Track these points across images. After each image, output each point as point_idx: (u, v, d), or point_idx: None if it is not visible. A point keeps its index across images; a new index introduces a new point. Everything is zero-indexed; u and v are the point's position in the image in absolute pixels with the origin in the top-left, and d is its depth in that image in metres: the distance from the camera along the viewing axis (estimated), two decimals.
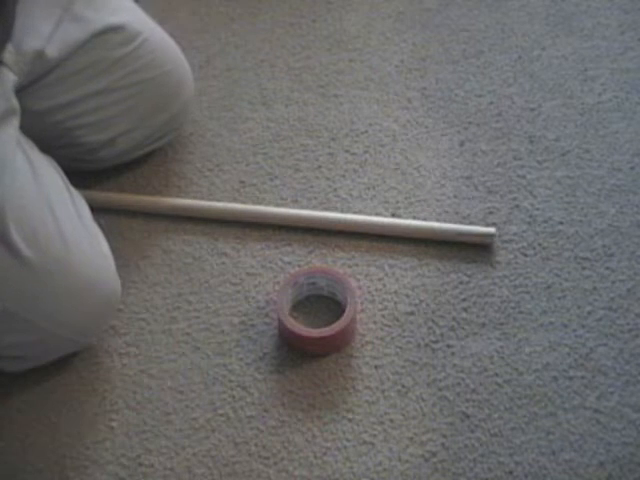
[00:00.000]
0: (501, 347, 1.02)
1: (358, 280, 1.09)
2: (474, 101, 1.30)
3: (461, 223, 1.14)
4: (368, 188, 1.19)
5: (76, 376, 1.02)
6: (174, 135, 1.25)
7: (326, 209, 1.17)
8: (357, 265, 1.11)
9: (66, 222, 0.96)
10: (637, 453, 0.92)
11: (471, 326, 1.04)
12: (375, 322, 1.05)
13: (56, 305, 0.95)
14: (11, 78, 0.99)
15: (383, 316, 1.06)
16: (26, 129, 1.01)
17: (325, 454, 0.95)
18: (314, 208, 1.17)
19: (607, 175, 1.18)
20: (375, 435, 0.96)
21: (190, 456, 0.96)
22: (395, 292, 1.08)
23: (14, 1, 0.97)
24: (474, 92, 1.31)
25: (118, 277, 1.00)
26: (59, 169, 1.02)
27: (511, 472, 0.92)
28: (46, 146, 1.04)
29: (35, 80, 1.06)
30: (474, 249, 1.11)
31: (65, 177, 1.02)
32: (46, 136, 1.08)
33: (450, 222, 1.14)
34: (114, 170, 1.21)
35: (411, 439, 0.95)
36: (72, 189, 1.02)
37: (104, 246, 1.01)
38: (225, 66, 1.40)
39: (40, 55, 1.04)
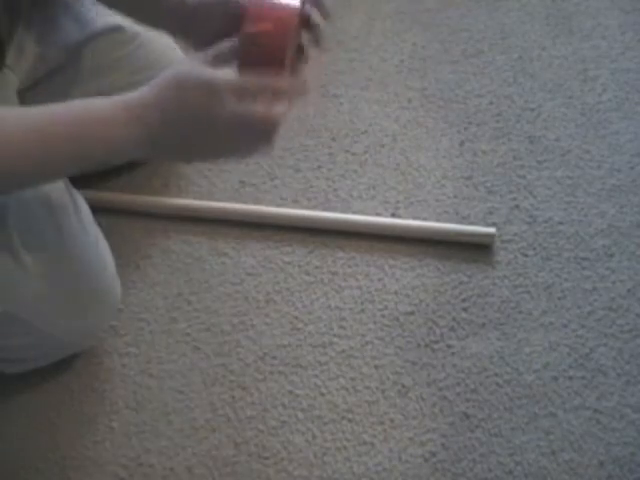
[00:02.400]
0: (501, 347, 1.02)
1: (358, 280, 1.09)
2: (474, 101, 1.30)
3: (461, 223, 1.14)
4: (368, 188, 1.19)
5: (76, 376, 1.02)
6: None
7: (326, 209, 1.17)
8: (357, 265, 1.11)
9: (66, 226, 0.96)
10: (637, 453, 0.92)
11: (471, 326, 1.04)
12: (375, 322, 1.05)
13: (56, 308, 0.95)
14: (13, 80, 0.99)
15: (383, 316, 1.06)
16: None
17: (325, 454, 0.95)
18: (314, 208, 1.17)
19: (607, 175, 1.18)
20: (375, 435, 0.96)
21: (190, 456, 0.96)
22: (395, 292, 1.08)
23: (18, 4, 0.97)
24: (474, 92, 1.31)
25: (118, 280, 1.00)
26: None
27: (511, 472, 0.92)
28: None
29: (36, 82, 1.06)
30: (474, 249, 1.11)
31: (66, 179, 1.02)
32: None
33: (450, 222, 1.14)
34: (114, 170, 1.21)
35: (411, 439, 0.95)
36: (73, 191, 1.02)
37: (104, 249, 1.01)
38: None
39: (41, 57, 1.04)
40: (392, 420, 0.97)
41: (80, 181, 1.11)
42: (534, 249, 1.11)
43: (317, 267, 1.11)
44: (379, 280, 1.09)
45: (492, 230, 1.11)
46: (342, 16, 1.46)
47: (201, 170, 1.23)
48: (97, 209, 1.10)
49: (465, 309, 1.05)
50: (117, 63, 1.12)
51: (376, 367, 1.01)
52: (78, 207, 1.00)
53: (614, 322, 1.03)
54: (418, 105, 1.30)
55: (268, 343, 1.04)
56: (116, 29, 1.11)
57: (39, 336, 0.96)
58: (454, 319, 1.05)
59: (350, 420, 0.97)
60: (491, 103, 1.29)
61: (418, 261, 1.10)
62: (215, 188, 1.20)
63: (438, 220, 1.14)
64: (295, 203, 1.18)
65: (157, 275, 1.11)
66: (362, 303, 1.07)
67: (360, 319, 1.05)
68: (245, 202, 1.18)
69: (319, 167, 1.23)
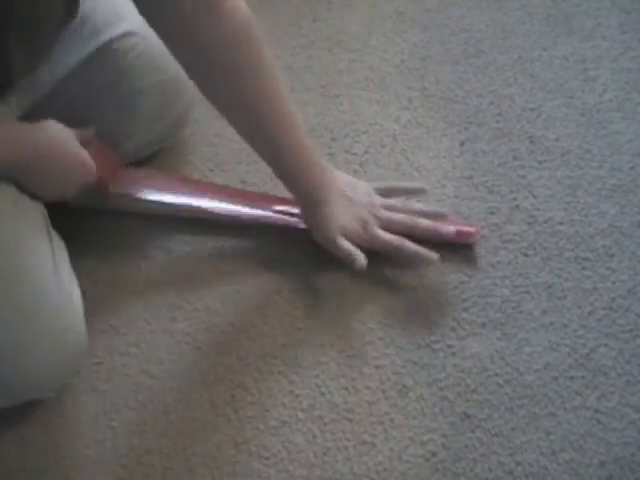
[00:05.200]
0: (501, 347, 1.02)
1: (358, 280, 1.09)
2: (474, 101, 1.30)
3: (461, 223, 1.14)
4: None
5: (76, 376, 1.02)
6: (176, 137, 1.25)
7: None
8: None
9: (38, 269, 0.94)
10: (637, 453, 0.92)
11: (471, 326, 1.04)
12: (375, 322, 1.05)
13: (15, 355, 0.91)
14: (7, 112, 1.02)
15: (383, 316, 1.06)
16: None
17: (325, 454, 0.95)
18: None
19: (607, 175, 1.18)
20: (375, 435, 0.96)
21: (190, 456, 0.96)
22: (395, 292, 1.08)
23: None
24: (474, 92, 1.31)
25: (85, 330, 0.97)
26: (44, 210, 1.01)
27: (511, 472, 0.92)
28: None
29: (41, 98, 1.06)
30: (475, 249, 1.11)
31: (48, 219, 1.01)
32: None
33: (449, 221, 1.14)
34: None
35: (411, 439, 0.95)
36: (52, 233, 0.99)
37: (75, 296, 0.98)
38: None
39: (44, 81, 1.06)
40: (392, 420, 0.97)
41: None
42: (534, 249, 1.11)
43: (317, 267, 1.11)
44: (379, 280, 1.09)
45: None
46: (342, 16, 1.46)
47: (201, 170, 1.23)
48: (98, 209, 1.11)
49: (465, 309, 1.05)
50: (122, 70, 1.11)
51: (376, 367, 1.01)
52: (55, 252, 0.97)
53: (614, 322, 1.03)
54: (418, 105, 1.30)
55: (268, 343, 1.04)
56: (122, 35, 1.11)
57: None
58: (454, 319, 1.05)
59: (350, 420, 0.97)
60: (491, 103, 1.29)
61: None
62: None
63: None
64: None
65: (158, 275, 1.11)
66: (362, 303, 1.07)
67: (360, 319, 1.05)
68: None
69: None
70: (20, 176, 0.97)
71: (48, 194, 1.01)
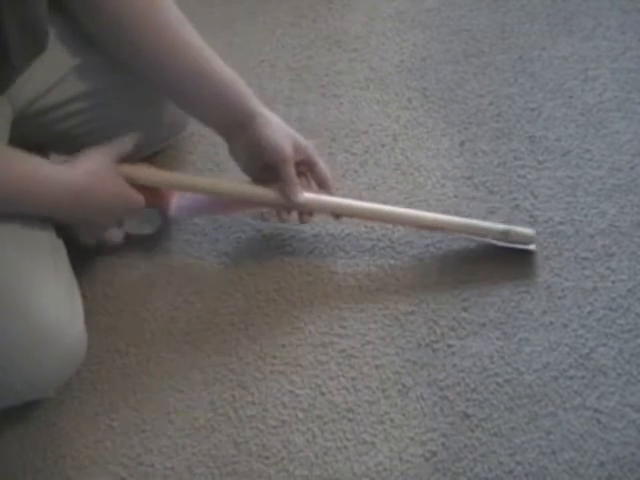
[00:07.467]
0: (501, 347, 1.02)
1: (358, 280, 1.09)
2: (474, 101, 1.30)
3: None
4: (368, 188, 1.19)
5: (76, 376, 1.02)
6: (176, 137, 1.25)
7: None
8: (357, 265, 1.11)
9: (38, 269, 0.94)
10: (637, 453, 0.92)
11: (471, 326, 1.04)
12: (375, 322, 1.05)
13: (13, 354, 0.91)
14: (7, 112, 1.01)
15: (384, 316, 1.06)
16: (31, 135, 1.03)
17: (325, 454, 0.95)
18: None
19: (607, 175, 1.18)
20: (375, 435, 0.96)
21: (190, 456, 0.96)
22: (395, 292, 1.08)
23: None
24: (474, 92, 1.31)
25: (85, 332, 0.97)
26: None
27: (511, 472, 0.92)
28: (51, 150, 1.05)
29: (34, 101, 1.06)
30: (474, 249, 1.11)
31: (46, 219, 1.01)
32: (52, 142, 1.09)
33: None
34: None
35: (411, 439, 0.95)
36: (52, 233, 1.00)
37: (75, 296, 0.99)
38: None
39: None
40: (392, 420, 0.97)
41: None
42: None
43: (317, 267, 1.11)
44: (379, 280, 1.09)
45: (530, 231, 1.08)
46: (342, 16, 1.46)
47: (201, 170, 1.23)
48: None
49: (465, 309, 1.05)
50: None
51: (376, 367, 1.01)
52: (56, 254, 0.98)
53: (614, 322, 1.03)
54: (418, 105, 1.30)
55: (268, 342, 1.04)
56: None
57: None
58: (454, 319, 1.05)
59: (350, 420, 0.97)
60: (491, 103, 1.29)
61: (418, 261, 1.11)
62: None
63: None
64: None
65: (157, 274, 1.11)
66: (362, 303, 1.07)
67: (360, 319, 1.05)
68: None
69: None
70: (60, 218, 0.98)
71: (100, 223, 1.03)
